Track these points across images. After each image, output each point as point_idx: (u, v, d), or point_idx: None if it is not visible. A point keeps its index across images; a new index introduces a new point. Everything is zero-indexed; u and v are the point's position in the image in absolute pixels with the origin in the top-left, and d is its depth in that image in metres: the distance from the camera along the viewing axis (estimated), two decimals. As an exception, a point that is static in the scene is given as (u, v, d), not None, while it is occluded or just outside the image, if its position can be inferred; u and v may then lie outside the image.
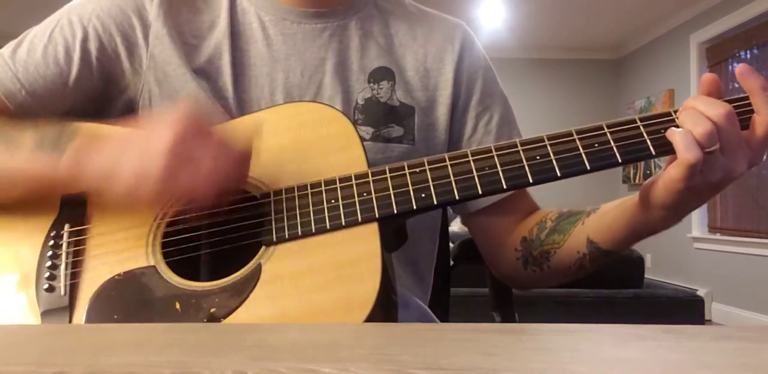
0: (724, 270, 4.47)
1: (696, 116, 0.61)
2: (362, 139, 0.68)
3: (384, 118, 0.82)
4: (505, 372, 0.31)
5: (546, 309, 2.47)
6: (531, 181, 0.64)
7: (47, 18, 0.81)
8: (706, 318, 4.32)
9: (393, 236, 0.68)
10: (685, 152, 0.59)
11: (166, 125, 0.60)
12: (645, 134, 0.63)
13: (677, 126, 0.62)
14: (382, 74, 0.83)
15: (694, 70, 4.89)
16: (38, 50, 0.77)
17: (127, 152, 0.61)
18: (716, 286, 4.54)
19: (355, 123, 0.79)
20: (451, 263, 1.08)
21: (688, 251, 4.88)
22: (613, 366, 0.34)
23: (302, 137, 0.69)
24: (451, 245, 1.07)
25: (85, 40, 0.78)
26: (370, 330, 0.49)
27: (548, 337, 0.42)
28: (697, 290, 4.33)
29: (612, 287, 2.57)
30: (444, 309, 1.04)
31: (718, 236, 4.62)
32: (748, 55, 4.45)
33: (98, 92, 0.80)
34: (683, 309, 2.60)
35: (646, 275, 2.77)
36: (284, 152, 0.69)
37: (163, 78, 0.78)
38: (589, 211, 0.76)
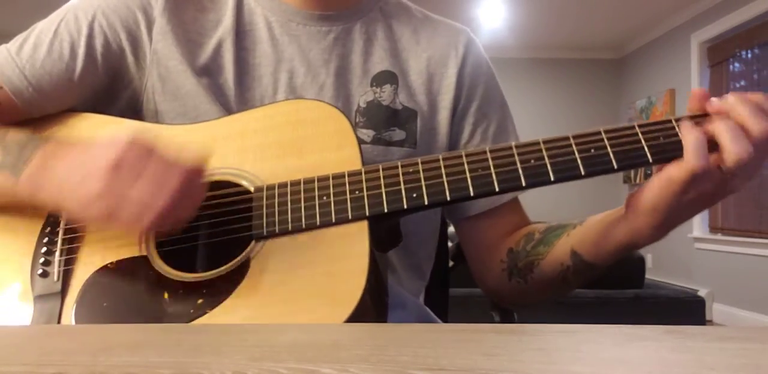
0: (725, 271, 4.46)
1: (736, 131, 0.58)
2: (362, 141, 0.68)
3: (386, 121, 0.82)
4: (506, 373, 0.31)
5: (546, 309, 2.46)
6: (524, 184, 0.63)
7: (53, 13, 0.83)
8: (707, 318, 4.32)
9: (386, 235, 0.68)
10: (694, 159, 0.58)
11: (109, 144, 0.60)
12: (643, 141, 0.62)
13: (675, 134, 0.61)
14: (385, 78, 0.84)
15: (695, 70, 4.89)
16: (44, 46, 0.78)
17: (73, 173, 0.61)
18: (717, 286, 4.54)
19: (356, 126, 0.80)
20: (450, 263, 1.08)
21: (689, 252, 4.88)
22: (613, 366, 0.34)
23: (299, 134, 0.70)
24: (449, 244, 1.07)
25: (90, 36, 0.79)
26: (370, 331, 0.49)
27: (549, 338, 0.42)
28: (698, 290, 4.33)
29: (613, 287, 2.57)
30: (443, 309, 1.04)
31: (719, 237, 4.62)
32: (749, 55, 4.45)
33: (103, 87, 0.81)
34: (684, 310, 2.60)
35: (646, 276, 2.77)
36: (281, 148, 0.70)
37: (166, 74, 0.79)
38: (576, 223, 0.76)
